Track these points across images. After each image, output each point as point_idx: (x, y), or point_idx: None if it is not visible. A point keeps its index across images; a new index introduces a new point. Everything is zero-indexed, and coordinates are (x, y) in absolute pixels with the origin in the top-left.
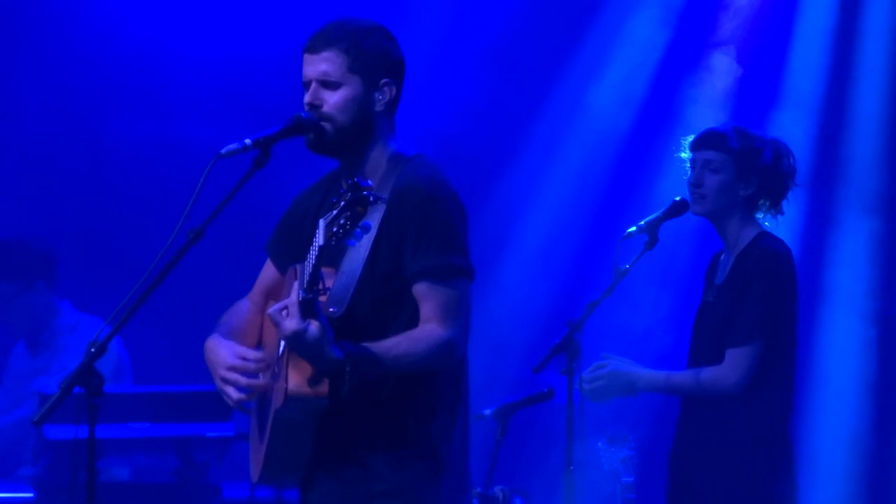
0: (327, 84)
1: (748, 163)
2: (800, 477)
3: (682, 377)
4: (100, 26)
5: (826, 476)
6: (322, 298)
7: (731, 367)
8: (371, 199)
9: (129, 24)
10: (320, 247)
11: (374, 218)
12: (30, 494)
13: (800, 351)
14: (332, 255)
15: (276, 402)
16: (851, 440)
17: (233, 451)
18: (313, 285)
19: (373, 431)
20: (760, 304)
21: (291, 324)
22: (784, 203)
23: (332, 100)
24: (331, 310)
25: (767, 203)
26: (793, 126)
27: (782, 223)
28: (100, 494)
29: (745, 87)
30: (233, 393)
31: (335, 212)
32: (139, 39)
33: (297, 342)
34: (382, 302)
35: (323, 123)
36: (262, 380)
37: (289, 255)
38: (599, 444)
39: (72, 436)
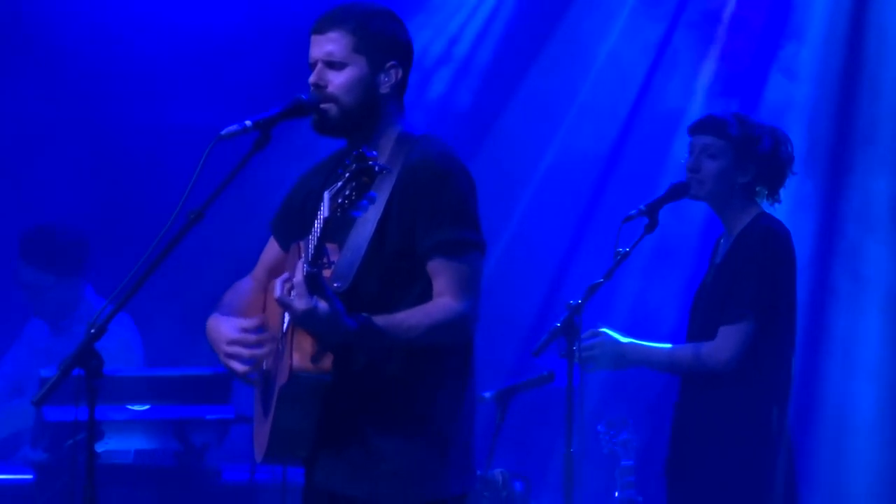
0: (332, 64)
1: (746, 150)
2: (798, 458)
3: (675, 352)
4: (98, 13)
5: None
6: (326, 273)
7: (722, 344)
8: (376, 168)
9: (127, 8)
10: (325, 219)
11: (382, 193)
12: (29, 476)
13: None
14: (337, 230)
15: (281, 379)
16: None
17: (232, 433)
18: (318, 259)
19: (378, 411)
20: (754, 283)
21: (301, 303)
22: (782, 191)
23: (336, 80)
24: (335, 284)
25: (765, 190)
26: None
27: None
28: (99, 476)
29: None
30: (237, 366)
31: (340, 183)
32: (137, 24)
33: (308, 320)
34: (391, 278)
35: (327, 105)
36: (264, 349)
37: (292, 233)
38: (599, 427)
39: (71, 417)
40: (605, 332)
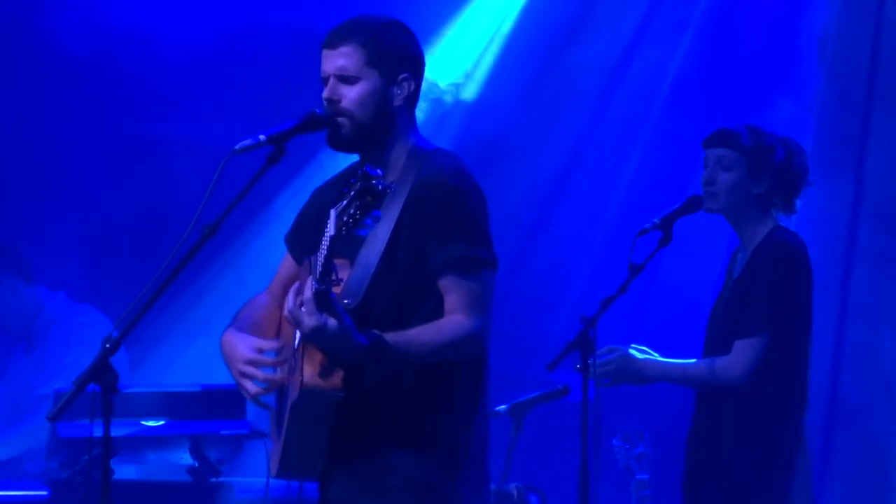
0: (345, 79)
1: (760, 161)
2: (814, 471)
3: (690, 367)
4: (116, 28)
5: None
6: (336, 289)
7: (737, 358)
8: (380, 188)
9: (144, 25)
10: (332, 237)
11: (392, 209)
12: (44, 492)
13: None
14: (346, 246)
15: (293, 394)
16: None
17: (247, 448)
18: (326, 276)
19: (391, 425)
20: (769, 297)
21: (311, 320)
22: (797, 201)
23: (349, 94)
24: (345, 301)
25: (781, 201)
26: None
27: None
28: (114, 492)
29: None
30: (250, 387)
31: (345, 202)
32: (153, 39)
33: (318, 337)
34: (403, 295)
35: (341, 119)
36: (279, 374)
37: (307, 247)
38: (615, 441)
39: (86, 433)
40: (621, 349)
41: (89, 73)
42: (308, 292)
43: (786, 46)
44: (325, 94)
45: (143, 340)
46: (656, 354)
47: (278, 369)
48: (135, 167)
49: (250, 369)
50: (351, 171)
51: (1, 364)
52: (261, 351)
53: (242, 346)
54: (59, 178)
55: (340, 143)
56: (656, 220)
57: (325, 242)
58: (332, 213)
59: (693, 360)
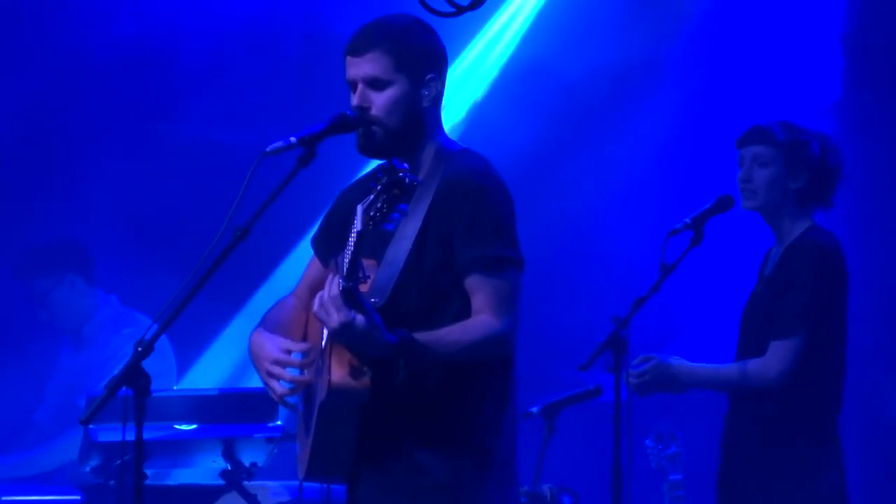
0: (374, 85)
1: (797, 155)
2: (849, 472)
3: (726, 370)
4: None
5: None
6: (363, 287)
7: (773, 360)
8: (407, 181)
9: (172, 27)
10: (358, 233)
11: (419, 208)
12: (77, 497)
13: None
14: (373, 242)
15: (321, 395)
16: None
17: (280, 451)
18: (353, 273)
19: (420, 425)
20: (806, 297)
21: (340, 315)
22: (833, 198)
23: (379, 101)
24: (372, 300)
25: (817, 197)
26: None
27: None
28: (147, 497)
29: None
30: (277, 387)
31: (372, 196)
32: (180, 42)
33: (346, 333)
34: (430, 293)
35: (373, 127)
36: (307, 375)
37: (333, 250)
38: (647, 441)
39: (119, 437)
40: (655, 357)
41: (119, 78)
42: (335, 289)
43: (809, 46)
44: (354, 101)
45: (182, 344)
46: (685, 361)
47: (305, 371)
48: (167, 170)
49: (277, 369)
50: (377, 169)
51: (50, 360)
52: (288, 352)
53: (270, 345)
54: (100, 180)
55: (372, 151)
56: (687, 220)
57: (353, 239)
58: (359, 208)
59: (728, 365)
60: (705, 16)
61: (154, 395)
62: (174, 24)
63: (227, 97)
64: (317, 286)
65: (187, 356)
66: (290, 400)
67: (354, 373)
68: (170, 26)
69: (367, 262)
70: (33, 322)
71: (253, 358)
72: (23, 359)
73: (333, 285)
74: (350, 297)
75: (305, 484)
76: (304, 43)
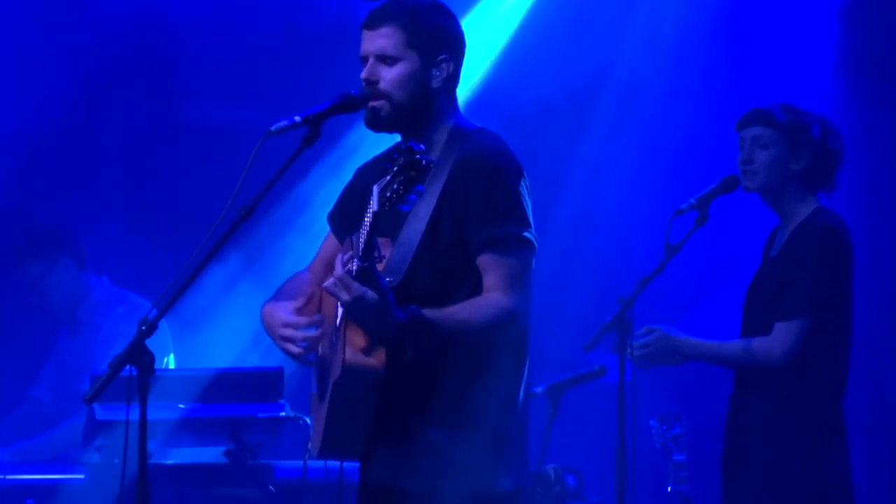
0: (384, 59)
1: (797, 137)
2: (853, 455)
3: (730, 346)
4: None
5: None
6: (378, 266)
7: (778, 340)
8: (424, 162)
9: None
10: (374, 213)
11: (434, 187)
12: (81, 476)
13: None
14: (389, 222)
15: (335, 373)
16: None
17: (284, 431)
18: (369, 253)
19: (432, 405)
20: (812, 279)
21: (352, 290)
22: (835, 180)
23: (388, 76)
24: (388, 279)
25: (820, 179)
26: None
27: None
28: (151, 476)
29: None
30: (292, 348)
31: (388, 177)
32: (187, 22)
33: (358, 308)
34: (444, 273)
35: (379, 101)
36: (317, 332)
37: (349, 226)
38: (651, 421)
39: (123, 416)
40: (658, 328)
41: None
42: (350, 266)
43: (805, 21)
44: (363, 74)
45: (184, 323)
46: (688, 335)
47: (316, 328)
48: (171, 151)
49: (289, 331)
50: (394, 149)
51: (46, 344)
52: (298, 311)
53: (281, 311)
54: (103, 163)
55: (378, 125)
56: (692, 201)
57: (368, 218)
58: (375, 188)
59: (731, 341)
60: (707, 3)
61: (158, 374)
62: (175, 3)
63: (231, 77)
64: (332, 261)
65: (191, 336)
66: (309, 358)
67: (369, 351)
68: (171, 4)
69: (382, 241)
70: (28, 309)
71: (265, 327)
72: (19, 345)
73: (347, 262)
74: (367, 276)
75: (310, 463)
76: (309, 21)
